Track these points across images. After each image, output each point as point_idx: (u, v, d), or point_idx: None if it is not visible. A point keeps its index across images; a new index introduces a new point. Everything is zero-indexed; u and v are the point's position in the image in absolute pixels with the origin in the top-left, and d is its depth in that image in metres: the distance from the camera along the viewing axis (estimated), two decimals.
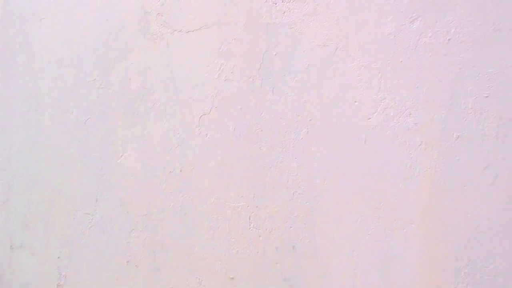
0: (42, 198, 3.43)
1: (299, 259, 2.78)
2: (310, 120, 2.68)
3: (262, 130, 2.79)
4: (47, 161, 3.43)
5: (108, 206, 3.24)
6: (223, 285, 2.92)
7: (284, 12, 2.65)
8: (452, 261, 2.52)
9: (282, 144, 2.75)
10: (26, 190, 3.42)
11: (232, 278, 2.90)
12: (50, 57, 3.31)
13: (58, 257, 3.42)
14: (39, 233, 3.48)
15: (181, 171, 3.00)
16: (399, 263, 2.61)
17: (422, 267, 2.56)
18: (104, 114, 3.18)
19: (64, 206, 3.38)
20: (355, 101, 2.59)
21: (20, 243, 3.48)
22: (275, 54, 2.71)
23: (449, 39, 2.37)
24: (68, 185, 3.34)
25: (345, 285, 2.71)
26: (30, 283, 3.57)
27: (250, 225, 2.87)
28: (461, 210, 2.47)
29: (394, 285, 2.64)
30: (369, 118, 2.57)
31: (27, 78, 3.39)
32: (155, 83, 3.01)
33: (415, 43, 2.43)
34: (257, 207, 2.85)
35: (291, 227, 2.79)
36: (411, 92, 2.47)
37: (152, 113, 2.93)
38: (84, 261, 3.35)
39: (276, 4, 2.67)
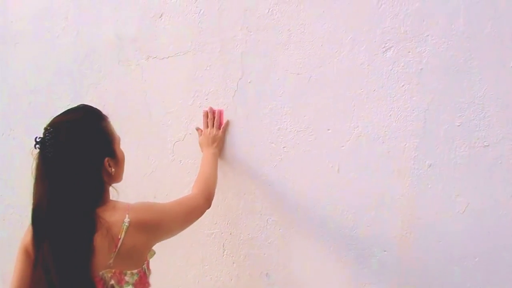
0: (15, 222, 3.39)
1: (272, 286, 2.77)
2: (284, 147, 2.69)
3: (235, 157, 2.79)
4: (19, 187, 3.38)
5: None
6: None
7: (259, 41, 2.67)
8: (425, 287, 2.54)
9: (256, 171, 2.76)
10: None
11: None
12: (24, 82, 3.28)
13: None
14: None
15: (155, 197, 2.98)
16: None
17: None
18: None
19: None
20: (328, 129, 2.60)
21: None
22: (249, 82, 2.73)
23: (421, 69, 2.40)
24: None
25: None
26: None
27: (224, 251, 2.86)
28: (433, 238, 2.49)
29: None
30: (342, 146, 2.59)
31: (1, 103, 3.36)
32: (130, 109, 3.00)
33: (388, 73, 2.46)
34: (231, 234, 2.85)
35: (265, 254, 2.79)
36: (384, 120, 2.50)
37: (126, 139, 2.91)
38: None
39: (250, 32, 2.68)
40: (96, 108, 1.94)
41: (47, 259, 1.71)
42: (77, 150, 1.74)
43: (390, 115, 2.48)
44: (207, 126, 2.73)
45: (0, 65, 3.36)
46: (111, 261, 1.73)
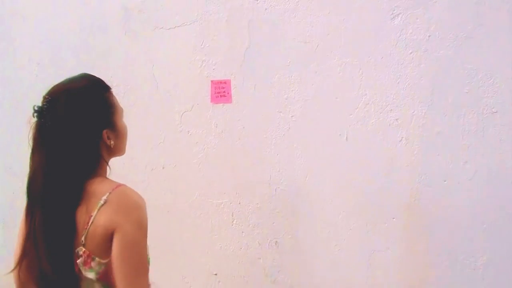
0: (24, 196, 3.41)
1: (281, 254, 2.79)
2: (292, 116, 2.69)
3: (244, 127, 2.79)
4: (28, 160, 3.39)
5: None
6: (206, 281, 2.92)
7: (266, 9, 2.66)
8: (433, 254, 2.55)
9: (264, 141, 2.76)
10: (8, 189, 3.39)
11: (215, 274, 2.91)
12: (31, 55, 3.28)
13: None
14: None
15: (163, 168, 2.99)
16: (381, 257, 2.63)
17: (404, 261, 2.59)
18: None
19: None
20: (336, 98, 2.60)
21: (3, 242, 3.44)
22: (257, 51, 2.72)
23: (429, 36, 2.39)
24: None
25: (328, 280, 2.73)
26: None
27: (233, 221, 2.88)
28: (442, 204, 2.50)
29: (376, 279, 2.66)
30: (350, 114, 2.59)
31: (8, 76, 3.36)
32: (137, 80, 3.00)
33: (396, 40, 2.45)
34: (239, 203, 2.86)
35: (273, 223, 2.80)
36: (392, 88, 2.49)
37: (134, 111, 2.91)
38: None
39: (257, 1, 2.67)
40: (98, 78, 1.84)
41: (36, 229, 1.68)
42: (75, 121, 1.68)
43: (398, 83, 2.48)
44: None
45: (8, 38, 3.35)
46: (83, 238, 1.65)
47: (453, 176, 2.46)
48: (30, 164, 1.72)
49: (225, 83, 2.79)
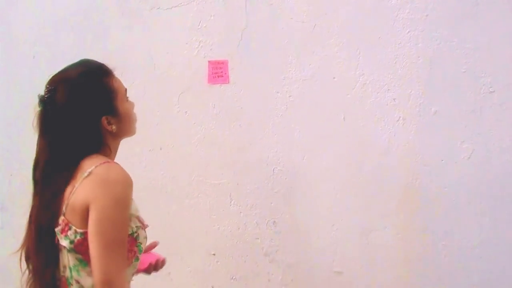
0: (22, 179, 3.41)
1: (279, 234, 2.80)
2: (290, 96, 2.69)
3: (241, 108, 2.79)
4: (25, 142, 3.39)
5: None
6: (204, 261, 2.94)
7: None
8: (430, 233, 2.57)
9: (261, 121, 2.76)
10: (6, 171, 3.39)
11: (214, 254, 2.92)
12: (27, 36, 3.26)
13: None
14: (19, 214, 3.45)
15: (161, 149, 2.99)
16: (378, 236, 2.65)
17: (401, 240, 2.60)
18: None
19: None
20: (334, 77, 2.60)
21: (1, 225, 3.45)
22: (254, 31, 2.71)
23: (426, 15, 2.39)
24: None
25: (325, 259, 2.74)
26: (14, 266, 3.54)
27: (231, 201, 2.88)
28: (439, 184, 2.51)
29: (373, 258, 2.67)
30: (348, 94, 2.59)
31: (4, 58, 3.35)
32: (134, 61, 2.99)
33: (393, 19, 2.45)
34: (237, 184, 2.87)
35: (271, 203, 2.81)
36: (389, 68, 2.49)
37: (132, 91, 2.89)
38: None
39: None
40: (97, 63, 1.84)
41: (33, 207, 1.74)
42: (72, 109, 1.71)
43: (395, 62, 2.48)
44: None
45: (4, 20, 3.33)
46: (64, 207, 1.66)
47: (450, 156, 2.47)
48: (36, 150, 1.77)
49: (222, 63, 2.79)
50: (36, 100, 1.74)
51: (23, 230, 1.78)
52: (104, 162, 1.70)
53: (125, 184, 1.69)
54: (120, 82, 1.86)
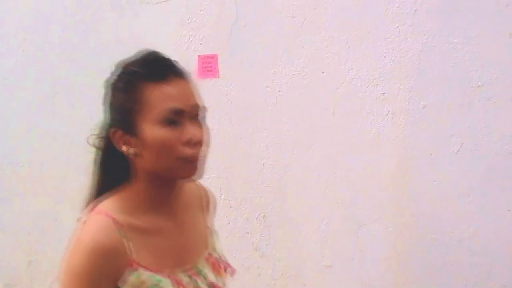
0: (12, 173, 3.40)
1: (269, 228, 2.81)
2: (279, 91, 2.70)
3: (231, 102, 2.79)
4: (15, 135, 3.38)
5: (79, 180, 3.21)
6: None
7: None
8: (419, 227, 2.58)
9: (251, 115, 2.76)
10: None
11: None
12: (17, 30, 3.25)
13: (29, 233, 3.38)
14: (10, 209, 3.44)
15: None
16: (368, 230, 2.65)
17: (391, 234, 2.61)
18: (73, 87, 3.13)
19: (34, 181, 3.34)
20: (323, 72, 2.61)
21: None
22: (244, 25, 2.71)
23: (415, 10, 2.39)
24: (37, 159, 3.31)
25: (316, 253, 2.75)
26: (1, 259, 3.53)
27: (221, 196, 2.88)
28: (428, 177, 2.52)
29: (363, 252, 2.68)
30: (337, 88, 2.59)
31: None
32: (124, 55, 2.97)
33: (382, 14, 2.45)
34: (227, 178, 2.87)
35: (261, 197, 2.81)
36: (378, 62, 2.50)
37: None
38: (56, 236, 3.32)
39: None
40: (155, 60, 1.44)
41: None
42: (106, 110, 1.42)
43: (384, 57, 2.48)
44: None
45: None
46: None
47: (439, 149, 2.48)
48: None
49: (212, 58, 2.79)
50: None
51: None
52: (92, 210, 1.39)
53: (91, 255, 1.29)
54: (168, 97, 1.36)
